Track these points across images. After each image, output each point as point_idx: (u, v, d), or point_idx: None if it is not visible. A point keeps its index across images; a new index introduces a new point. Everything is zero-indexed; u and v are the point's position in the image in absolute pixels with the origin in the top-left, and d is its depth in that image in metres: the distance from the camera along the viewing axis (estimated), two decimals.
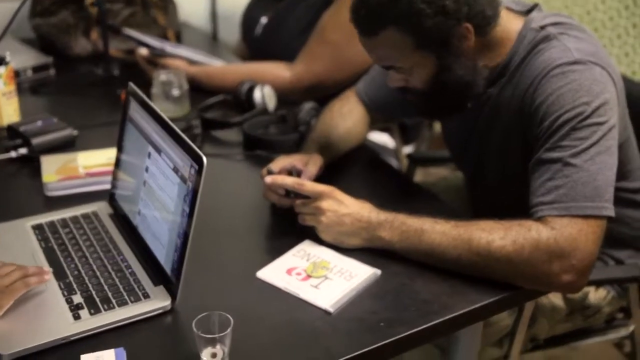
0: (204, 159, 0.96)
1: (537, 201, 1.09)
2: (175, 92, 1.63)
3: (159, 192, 1.09)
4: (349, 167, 1.43)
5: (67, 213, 1.24)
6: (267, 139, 1.49)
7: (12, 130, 1.46)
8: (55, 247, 1.15)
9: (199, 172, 0.97)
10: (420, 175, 1.72)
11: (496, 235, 1.06)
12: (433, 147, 2.19)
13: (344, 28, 1.59)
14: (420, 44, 1.12)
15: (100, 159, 1.39)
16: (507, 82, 1.20)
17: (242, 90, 1.63)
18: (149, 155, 1.12)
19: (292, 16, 1.79)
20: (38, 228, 1.20)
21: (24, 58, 1.86)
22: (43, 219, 1.22)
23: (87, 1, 1.87)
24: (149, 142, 1.12)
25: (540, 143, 1.11)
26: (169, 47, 1.75)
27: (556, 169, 1.08)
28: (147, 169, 1.13)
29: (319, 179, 1.25)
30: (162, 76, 1.64)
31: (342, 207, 1.14)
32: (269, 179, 1.20)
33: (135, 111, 1.18)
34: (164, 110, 1.61)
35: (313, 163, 1.27)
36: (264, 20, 1.86)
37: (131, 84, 1.19)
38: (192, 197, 0.98)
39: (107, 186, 1.28)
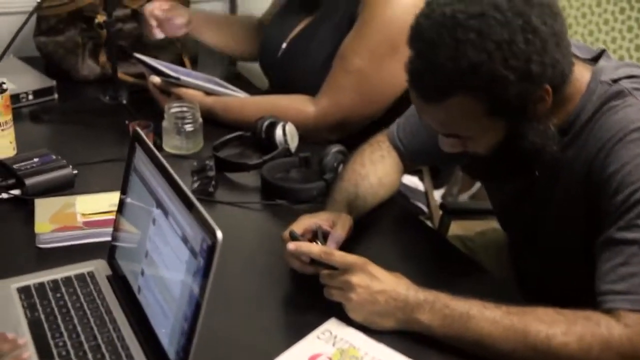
0: (219, 235, 0.80)
1: (606, 289, 0.92)
2: (189, 126, 1.48)
3: (163, 261, 0.94)
4: (376, 222, 1.27)
5: (59, 273, 1.08)
6: (288, 187, 1.33)
7: (4, 168, 1.32)
8: (43, 317, 0.99)
9: (212, 248, 0.81)
10: (454, 226, 1.56)
11: (558, 330, 0.90)
12: (464, 189, 2.03)
13: (368, 53, 1.49)
14: (494, 111, 0.96)
15: (101, 204, 1.23)
16: (571, 141, 1.03)
17: (262, 127, 1.47)
18: (154, 215, 0.97)
19: (315, 40, 1.63)
20: (25, 291, 1.04)
21: (26, 80, 1.72)
22: (31, 279, 1.06)
23: (96, 20, 1.73)
24: (154, 199, 0.97)
25: (611, 219, 0.95)
26: (184, 75, 1.60)
27: (632, 252, 0.91)
28: (151, 230, 0.98)
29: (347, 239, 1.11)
30: (174, 108, 1.49)
31: (375, 282, 0.98)
32: (292, 246, 1.04)
33: (140, 160, 1.03)
34: (175, 146, 1.48)
35: (342, 225, 1.11)
36: (284, 45, 1.70)
37: (137, 129, 1.04)
38: (203, 278, 0.83)
39: (107, 238, 1.13)
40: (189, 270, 0.86)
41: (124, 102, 1.64)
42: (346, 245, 1.10)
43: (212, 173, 1.37)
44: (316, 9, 1.65)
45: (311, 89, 1.56)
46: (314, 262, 1.04)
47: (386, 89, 1.51)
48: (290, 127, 1.47)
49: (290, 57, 1.66)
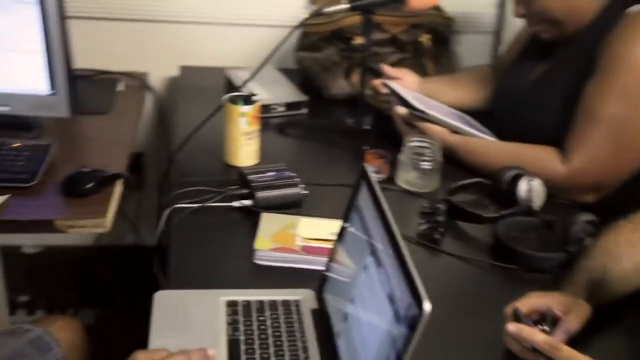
0: (427, 307, 0.71)
1: None
2: (426, 164, 1.40)
3: (367, 313, 0.86)
4: (619, 314, 1.07)
5: (267, 295, 1.06)
6: (523, 251, 1.19)
7: (242, 177, 1.34)
8: (242, 338, 0.98)
9: (416, 319, 0.72)
10: None
11: None
12: None
13: (619, 98, 1.33)
14: None
15: (321, 231, 1.20)
16: None
17: (505, 178, 1.34)
18: (366, 262, 0.90)
19: (552, 87, 1.47)
20: (232, 306, 1.04)
21: (281, 92, 1.77)
22: (241, 295, 1.06)
23: (354, 41, 1.72)
24: (370, 245, 0.90)
25: None
26: (432, 109, 1.52)
27: None
28: (361, 276, 0.91)
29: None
30: (414, 143, 1.42)
31: None
32: (512, 327, 0.91)
33: (364, 199, 0.96)
34: (409, 182, 1.41)
35: (577, 314, 0.95)
36: (520, 92, 1.55)
37: (366, 165, 0.98)
38: (403, 346, 0.74)
39: (321, 267, 1.09)
40: (389, 333, 0.78)
41: (367, 127, 1.61)
42: (576, 339, 0.94)
43: (441, 218, 1.27)
44: (553, 56, 1.51)
45: (547, 138, 1.42)
46: (537, 350, 0.89)
47: None
48: (537, 184, 1.32)
49: (525, 104, 1.53)
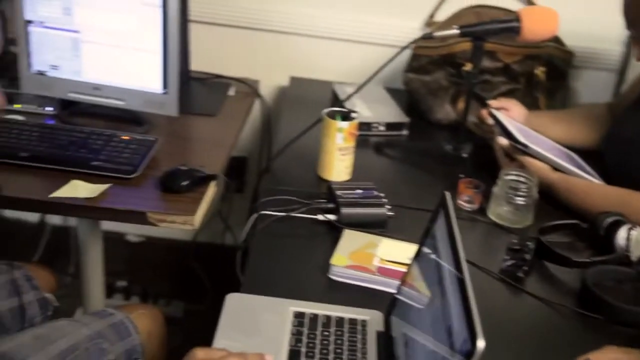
0: (480, 345, 0.68)
1: None
2: (520, 199, 1.35)
3: (426, 343, 0.84)
4: None
5: (336, 311, 1.06)
6: (613, 302, 1.11)
7: (330, 191, 1.35)
8: (303, 349, 0.98)
9: (469, 355, 0.69)
10: None
11: None
12: None
13: None
14: None
15: (400, 254, 1.19)
16: None
17: (604, 223, 1.27)
18: (433, 291, 0.88)
19: None
20: (299, 317, 1.05)
21: (383, 111, 1.77)
22: (309, 308, 1.06)
23: (464, 67, 1.69)
24: (438, 275, 0.88)
25: None
26: (535, 144, 1.47)
27: None
28: (426, 304, 0.89)
29: None
30: (510, 176, 1.37)
31: None
32: None
33: (440, 228, 0.94)
34: (500, 215, 1.36)
35: None
36: (634, 136, 1.47)
37: (447, 194, 0.96)
38: None
39: (393, 290, 1.07)
40: None
41: (465, 155, 1.57)
42: None
43: (529, 257, 1.22)
44: None
45: None
46: None
47: None
48: (637, 233, 1.24)
49: (638, 151, 1.43)
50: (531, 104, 1.75)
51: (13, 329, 1.30)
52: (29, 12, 1.53)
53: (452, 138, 1.65)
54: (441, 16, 1.94)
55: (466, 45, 1.69)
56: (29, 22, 1.54)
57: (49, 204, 1.31)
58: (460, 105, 1.76)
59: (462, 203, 1.41)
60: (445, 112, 1.80)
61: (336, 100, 1.78)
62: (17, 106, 1.62)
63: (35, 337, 1.20)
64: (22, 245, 2.23)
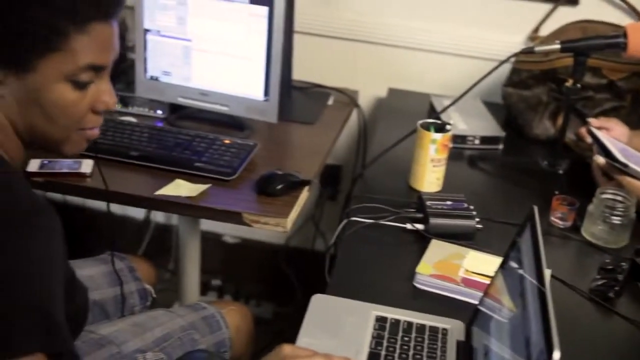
0: (556, 357, 0.68)
1: None
2: (617, 219, 1.31)
3: (505, 352, 0.85)
4: None
5: (417, 318, 1.08)
6: None
7: (420, 201, 1.37)
8: (383, 353, 1.00)
9: None
10: None
11: None
12: None
13: None
14: None
15: (487, 266, 1.18)
16: None
17: None
18: (514, 303, 0.88)
19: None
20: (381, 321, 1.07)
21: (479, 125, 1.76)
22: (391, 313, 1.09)
23: (566, 83, 1.66)
24: (521, 288, 0.88)
25: None
26: (635, 165, 1.42)
27: None
28: (507, 315, 0.90)
29: None
30: (607, 195, 1.34)
31: None
32: None
33: (525, 241, 0.94)
34: (594, 234, 1.34)
35: None
36: None
37: (535, 208, 0.95)
38: None
39: (476, 301, 1.08)
40: None
41: (561, 172, 1.54)
42: None
43: (621, 277, 1.19)
44: None
45: None
46: None
47: None
48: None
49: None
50: (637, 123, 1.70)
51: (114, 316, 1.39)
52: (148, 21, 1.64)
53: (549, 154, 1.62)
54: (546, 30, 1.92)
55: (568, 61, 1.66)
56: (147, 30, 1.65)
57: (154, 201, 1.40)
58: (559, 121, 1.73)
59: (556, 220, 1.39)
60: (544, 127, 1.77)
61: (433, 112, 1.80)
62: (131, 109, 1.74)
63: (134, 324, 1.28)
64: (128, 241, 2.37)
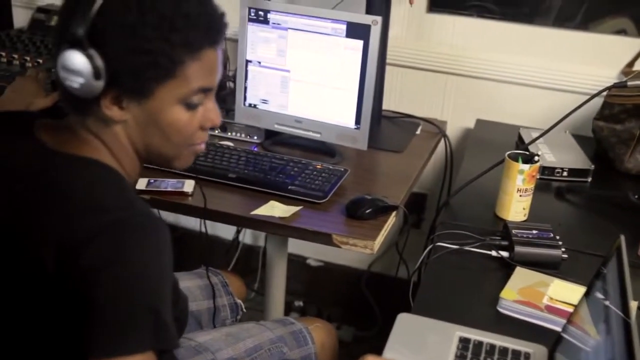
0: None
1: None
2: None
3: None
4: None
5: (501, 341, 1.11)
6: None
7: (506, 229, 1.40)
8: None
9: None
10: None
11: None
12: None
13: None
14: None
15: (570, 296, 1.20)
16: None
17: None
18: (579, 336, 0.90)
19: None
20: (464, 342, 1.10)
21: (568, 157, 1.77)
22: (475, 335, 1.12)
23: None
24: (605, 312, 0.90)
25: None
26: None
27: None
28: (588, 346, 0.91)
29: None
30: None
31: None
32: None
33: (611, 271, 0.96)
34: None
35: None
36: None
37: (622, 237, 0.97)
38: None
39: (559, 328, 1.10)
40: None
41: None
42: None
43: None
44: None
45: None
46: None
47: None
48: None
49: None
50: None
51: (207, 326, 1.48)
52: (250, 53, 1.75)
53: (639, 188, 1.61)
54: None
55: None
56: (249, 61, 1.76)
57: (249, 220, 1.48)
58: None
59: None
60: (636, 161, 1.76)
61: (521, 144, 1.82)
62: (230, 134, 1.85)
63: (226, 334, 1.36)
64: (217, 259, 2.48)
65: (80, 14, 0.93)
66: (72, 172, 0.97)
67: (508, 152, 1.51)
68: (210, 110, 1.05)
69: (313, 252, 2.47)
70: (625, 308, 0.85)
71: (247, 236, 2.54)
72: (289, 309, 2.43)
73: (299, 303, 2.48)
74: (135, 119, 1.00)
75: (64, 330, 0.90)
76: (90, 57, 0.93)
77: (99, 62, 0.93)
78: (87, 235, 0.88)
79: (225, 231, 2.50)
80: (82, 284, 0.87)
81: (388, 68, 1.95)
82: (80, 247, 0.88)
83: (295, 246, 2.32)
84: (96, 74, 0.94)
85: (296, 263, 2.43)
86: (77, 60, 0.93)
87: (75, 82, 0.94)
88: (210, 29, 0.99)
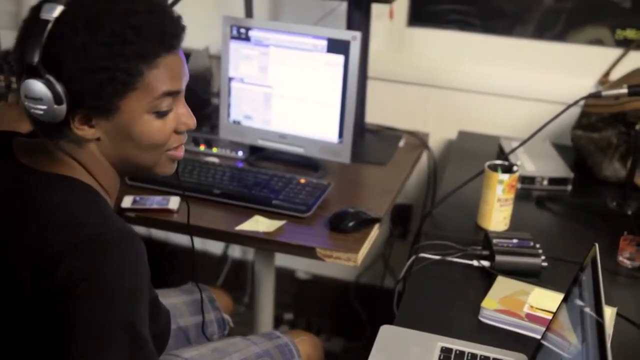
0: None
1: None
2: None
3: None
4: None
5: (482, 350, 1.12)
6: None
7: (486, 239, 1.42)
8: None
9: None
10: None
11: None
12: None
13: None
14: None
15: (550, 303, 1.22)
16: None
17: None
18: (572, 346, 0.92)
19: None
20: (446, 352, 1.12)
21: (547, 166, 1.80)
22: (457, 345, 1.14)
23: (637, 125, 1.67)
24: (581, 320, 0.92)
25: None
26: None
27: None
28: (569, 347, 0.93)
29: None
30: None
31: None
32: None
33: (587, 277, 0.98)
34: None
35: None
36: None
37: (595, 245, 0.99)
38: None
39: (538, 336, 1.12)
40: None
41: (630, 212, 1.56)
42: None
43: None
44: None
45: None
46: None
47: None
48: None
49: None
50: None
51: (195, 342, 1.49)
52: (232, 70, 1.77)
53: (618, 195, 1.64)
54: (617, 75, 1.95)
55: (638, 104, 1.69)
56: (231, 78, 1.78)
57: (234, 235, 1.50)
58: (629, 163, 1.75)
59: (623, 260, 1.41)
60: (614, 169, 1.79)
61: (502, 154, 1.85)
62: (214, 150, 1.86)
63: (213, 349, 1.37)
64: (206, 274, 2.49)
65: (32, 42, 0.94)
66: (48, 189, 0.99)
67: (487, 163, 1.54)
68: (182, 115, 1.07)
69: (301, 265, 2.49)
70: (599, 310, 0.87)
71: (236, 250, 2.55)
72: (278, 322, 2.44)
73: (288, 316, 2.50)
74: (107, 134, 1.02)
75: (42, 347, 0.91)
76: (48, 83, 0.95)
77: (58, 87, 0.95)
78: (62, 249, 0.90)
79: (215, 246, 2.52)
80: (58, 299, 0.88)
81: (370, 82, 1.98)
82: (56, 261, 0.89)
83: (284, 259, 2.34)
84: (57, 99, 0.95)
85: (285, 276, 2.45)
86: (36, 88, 0.95)
87: (39, 109, 0.96)
88: (163, 36, 0.99)
